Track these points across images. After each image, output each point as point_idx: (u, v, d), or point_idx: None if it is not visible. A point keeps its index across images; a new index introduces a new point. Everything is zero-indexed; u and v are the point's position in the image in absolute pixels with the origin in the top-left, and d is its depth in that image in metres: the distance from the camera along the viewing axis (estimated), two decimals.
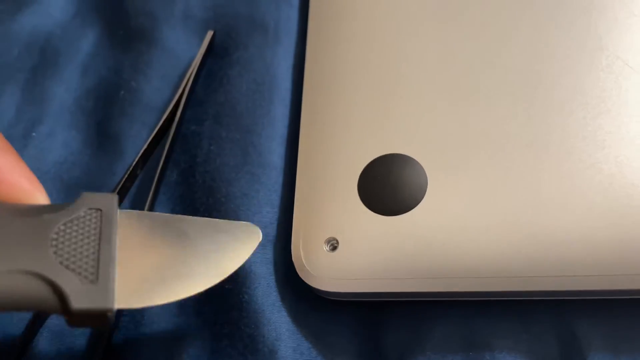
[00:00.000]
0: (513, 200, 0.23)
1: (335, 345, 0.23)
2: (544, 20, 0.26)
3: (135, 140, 0.28)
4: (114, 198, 0.18)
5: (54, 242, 0.17)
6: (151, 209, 0.26)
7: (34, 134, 0.28)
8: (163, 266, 0.18)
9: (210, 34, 0.29)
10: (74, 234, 0.17)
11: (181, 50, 0.29)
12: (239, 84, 0.28)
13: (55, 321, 0.24)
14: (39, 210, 0.17)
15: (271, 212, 0.25)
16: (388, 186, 0.23)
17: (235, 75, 0.28)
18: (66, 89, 0.29)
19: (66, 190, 0.27)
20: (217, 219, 0.21)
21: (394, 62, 0.26)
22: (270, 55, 0.28)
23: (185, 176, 0.27)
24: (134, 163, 0.26)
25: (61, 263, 0.16)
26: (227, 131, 0.27)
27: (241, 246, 0.20)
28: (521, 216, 0.22)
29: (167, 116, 0.27)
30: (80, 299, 0.16)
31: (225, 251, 0.19)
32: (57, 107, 0.29)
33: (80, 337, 0.24)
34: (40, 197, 0.18)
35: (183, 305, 0.24)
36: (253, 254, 0.21)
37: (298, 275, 0.23)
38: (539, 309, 0.22)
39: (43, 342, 0.24)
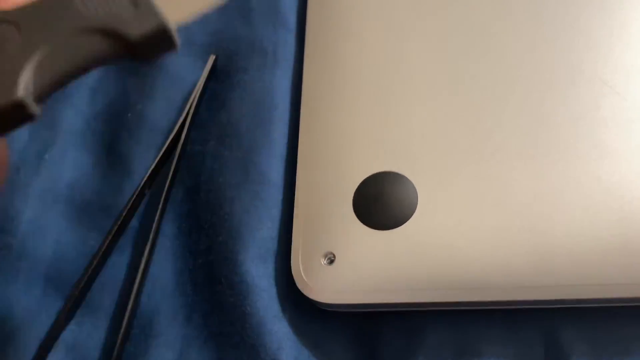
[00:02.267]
0: (501, 214, 0.24)
1: (333, 354, 0.24)
2: (529, 40, 0.27)
3: (143, 161, 0.29)
4: None
5: None
6: (158, 226, 0.27)
7: (46, 156, 0.29)
8: None
9: (212, 58, 0.30)
10: None
11: (185, 74, 0.31)
12: (240, 105, 0.29)
13: (69, 334, 0.25)
14: None
15: (272, 228, 0.26)
16: (380, 202, 0.25)
17: (237, 97, 0.29)
18: (76, 112, 0.31)
19: (79, 212, 0.28)
20: None
21: (386, 85, 0.27)
22: (269, 77, 0.29)
23: (191, 194, 0.28)
24: (142, 183, 0.27)
25: (103, 7, 0.16)
26: (229, 151, 0.28)
27: None
28: (508, 229, 0.24)
29: (173, 137, 0.28)
30: (134, 26, 0.16)
31: None
32: (68, 130, 0.30)
33: (93, 349, 0.25)
34: None
35: (189, 317, 0.25)
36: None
37: (298, 288, 0.24)
38: (525, 317, 0.24)
39: (58, 355, 0.25)
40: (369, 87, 0.27)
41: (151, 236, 0.26)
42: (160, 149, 0.28)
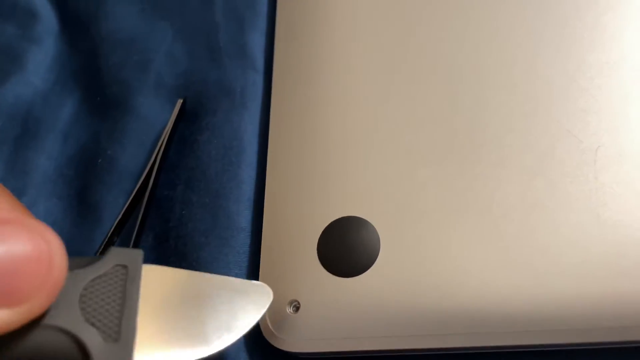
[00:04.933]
0: (463, 258, 0.24)
1: None
2: (488, 85, 0.27)
3: (113, 207, 0.29)
4: (140, 254, 0.19)
5: (83, 299, 0.18)
6: None
7: None
8: (179, 327, 0.19)
9: (179, 102, 0.30)
10: (101, 290, 0.18)
11: (154, 116, 0.31)
12: (209, 149, 0.29)
13: None
14: (69, 263, 0.17)
15: (239, 275, 0.27)
16: (343, 248, 0.25)
17: (205, 140, 0.29)
18: (47, 157, 0.31)
19: None
20: (233, 278, 0.22)
21: (351, 129, 0.27)
22: (237, 120, 0.30)
23: (160, 241, 0.28)
24: (111, 230, 0.28)
25: (87, 320, 0.17)
26: (198, 196, 0.28)
27: (253, 307, 0.21)
28: (472, 274, 0.24)
29: (142, 182, 0.29)
30: (102, 358, 0.17)
31: (239, 312, 0.20)
32: (39, 177, 0.30)
33: None
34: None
35: None
36: None
37: (265, 337, 0.24)
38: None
39: None
40: (334, 130, 0.28)
41: None
42: (130, 194, 0.29)
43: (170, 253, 0.27)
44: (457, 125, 0.26)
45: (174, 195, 0.29)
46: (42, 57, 0.33)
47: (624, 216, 0.23)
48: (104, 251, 0.27)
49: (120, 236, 0.28)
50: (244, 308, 0.21)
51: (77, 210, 0.29)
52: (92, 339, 0.17)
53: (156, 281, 0.19)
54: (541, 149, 0.25)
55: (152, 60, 0.32)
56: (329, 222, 0.26)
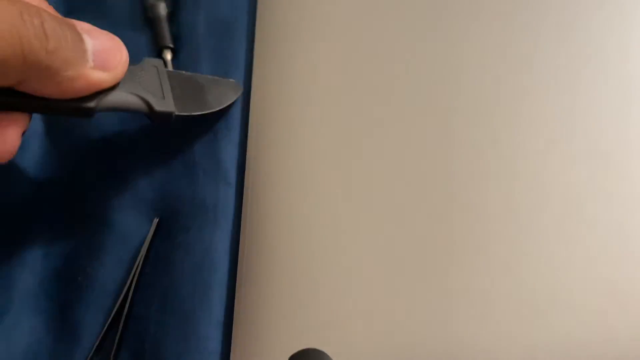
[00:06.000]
0: None
1: None
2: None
3: (92, 325, 0.31)
4: (161, 62, 0.30)
5: (139, 80, 0.28)
6: None
7: (1, 325, 0.31)
8: (192, 96, 0.31)
9: (155, 221, 0.32)
10: (147, 76, 0.29)
11: (132, 232, 0.32)
12: (182, 268, 0.31)
13: None
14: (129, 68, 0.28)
15: None
16: None
17: (178, 259, 0.31)
18: (31, 272, 0.32)
19: None
20: (218, 77, 0.34)
21: (314, 258, 0.29)
22: (210, 237, 0.31)
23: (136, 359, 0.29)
24: (92, 351, 0.29)
25: (145, 89, 0.28)
26: (171, 316, 0.30)
27: (232, 91, 0.34)
28: None
29: (120, 302, 0.30)
30: (158, 106, 0.28)
31: (223, 93, 0.33)
32: (23, 292, 0.32)
33: None
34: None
35: None
36: None
37: None
38: None
39: None
40: (298, 263, 0.29)
41: None
42: (108, 312, 0.30)
43: None
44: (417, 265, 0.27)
45: (149, 314, 0.30)
46: (27, 160, 0.35)
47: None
48: None
49: (100, 355, 0.29)
50: (226, 89, 0.33)
51: (59, 326, 0.31)
52: (151, 97, 0.28)
53: (173, 75, 0.31)
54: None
55: (130, 175, 0.33)
56: (290, 353, 0.27)
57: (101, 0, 0.37)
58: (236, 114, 0.34)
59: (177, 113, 0.29)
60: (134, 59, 0.28)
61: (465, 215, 0.28)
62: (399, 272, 0.27)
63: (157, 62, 0.30)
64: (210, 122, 0.34)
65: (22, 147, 0.35)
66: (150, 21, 0.36)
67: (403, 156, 0.30)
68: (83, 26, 0.25)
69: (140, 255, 0.31)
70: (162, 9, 0.36)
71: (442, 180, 0.29)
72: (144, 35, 0.36)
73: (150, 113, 0.28)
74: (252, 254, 0.30)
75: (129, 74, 0.28)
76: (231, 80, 0.34)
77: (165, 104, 0.29)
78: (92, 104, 0.25)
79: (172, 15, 0.36)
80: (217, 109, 0.32)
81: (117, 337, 0.30)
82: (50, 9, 0.26)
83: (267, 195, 0.31)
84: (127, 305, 0.30)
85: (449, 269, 0.27)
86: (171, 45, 0.36)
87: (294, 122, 0.32)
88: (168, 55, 0.36)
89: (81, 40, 0.25)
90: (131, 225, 0.33)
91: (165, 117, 0.29)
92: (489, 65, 0.31)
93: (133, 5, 0.37)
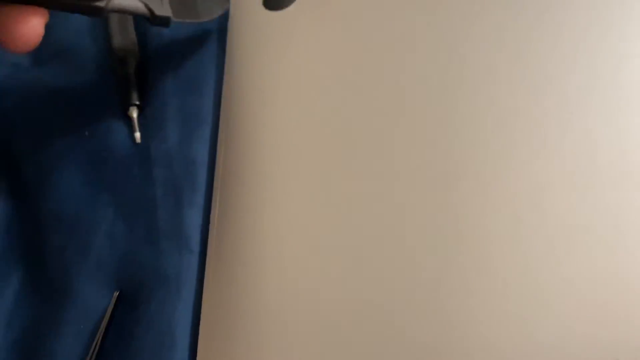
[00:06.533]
0: None
1: None
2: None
3: None
4: None
5: None
6: None
7: None
8: (186, 5, 0.33)
9: (116, 294, 0.31)
10: None
11: (92, 303, 0.31)
12: (143, 342, 0.30)
13: None
14: None
15: None
16: None
17: (141, 332, 0.30)
18: None
19: None
20: None
21: (282, 315, 0.28)
22: (171, 311, 0.30)
23: None
24: None
25: None
26: None
27: (218, 6, 0.36)
28: None
29: None
30: (158, 10, 0.30)
31: (211, 6, 0.36)
32: None
33: None
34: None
35: None
36: None
37: None
38: None
39: None
40: (263, 324, 0.28)
41: None
42: None
43: None
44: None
45: None
46: None
47: None
48: None
49: None
50: (214, 3, 0.36)
51: None
52: (153, 3, 0.30)
53: None
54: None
55: (93, 243, 0.32)
56: None
57: (69, 47, 0.37)
58: (202, 174, 0.33)
59: (174, 19, 0.31)
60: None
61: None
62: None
63: None
64: (175, 180, 0.33)
65: None
66: (117, 76, 0.35)
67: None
68: None
69: (100, 331, 0.30)
70: (131, 66, 0.35)
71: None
72: (110, 86, 0.35)
73: (151, 17, 0.30)
74: (210, 330, 0.29)
75: None
76: None
77: (164, 9, 0.31)
78: (102, 4, 0.26)
79: (140, 72, 0.36)
80: (207, 19, 0.36)
81: None
82: None
83: (229, 262, 0.30)
84: None
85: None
86: (137, 102, 0.35)
87: (261, 183, 0.31)
88: (134, 113, 0.35)
89: None
90: (92, 295, 0.32)
91: (164, 22, 0.31)
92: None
93: (101, 55, 0.36)
